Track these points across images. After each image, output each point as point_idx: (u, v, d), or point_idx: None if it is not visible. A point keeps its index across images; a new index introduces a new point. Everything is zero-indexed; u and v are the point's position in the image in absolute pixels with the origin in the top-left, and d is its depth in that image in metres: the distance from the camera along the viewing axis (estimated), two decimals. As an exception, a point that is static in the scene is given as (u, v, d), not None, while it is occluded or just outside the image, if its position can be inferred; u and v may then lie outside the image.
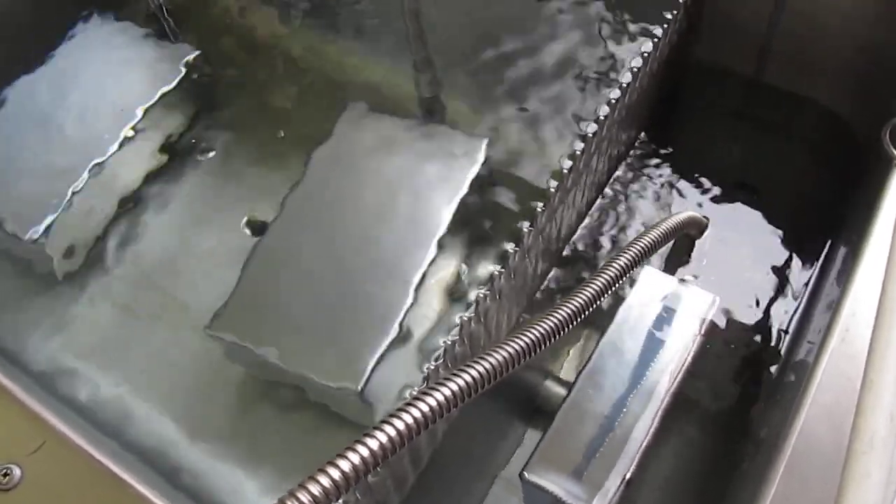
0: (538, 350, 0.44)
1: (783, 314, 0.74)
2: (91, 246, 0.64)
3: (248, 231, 0.63)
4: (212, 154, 0.68)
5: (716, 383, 0.71)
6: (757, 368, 0.72)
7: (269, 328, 0.54)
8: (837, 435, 0.41)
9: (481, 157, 0.60)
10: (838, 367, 0.44)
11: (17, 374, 0.53)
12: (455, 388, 0.40)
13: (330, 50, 0.72)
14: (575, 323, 0.47)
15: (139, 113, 0.66)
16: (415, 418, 0.38)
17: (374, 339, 0.52)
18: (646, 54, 0.65)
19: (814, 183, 0.83)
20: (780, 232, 0.79)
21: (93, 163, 0.64)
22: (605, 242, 0.79)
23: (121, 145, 0.65)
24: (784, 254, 0.77)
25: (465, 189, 0.58)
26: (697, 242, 0.77)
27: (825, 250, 0.76)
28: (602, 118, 0.62)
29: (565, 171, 0.59)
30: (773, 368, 0.71)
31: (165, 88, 0.68)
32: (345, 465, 0.36)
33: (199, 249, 0.62)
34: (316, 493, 0.35)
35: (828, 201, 0.79)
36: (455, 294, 0.54)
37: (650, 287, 0.64)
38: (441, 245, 0.56)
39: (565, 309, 0.47)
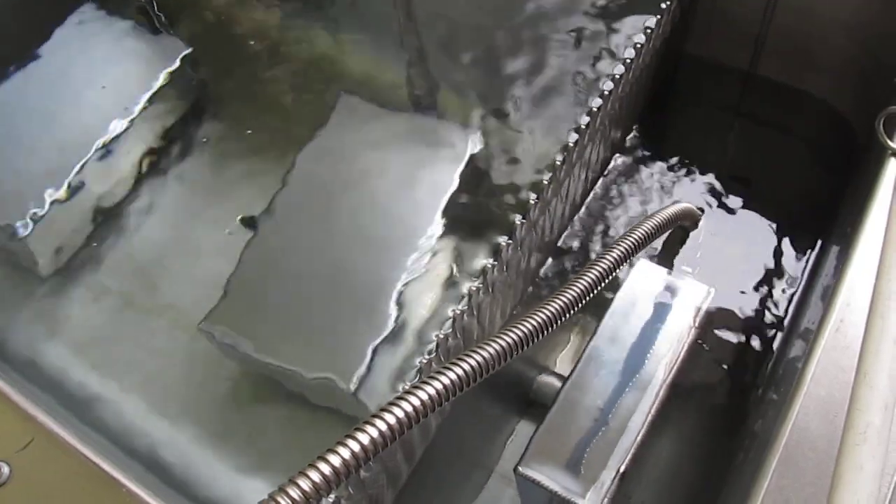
0: (532, 343, 0.44)
1: (777, 305, 0.74)
2: (82, 242, 0.63)
3: (240, 226, 0.62)
4: (204, 149, 0.68)
5: (710, 375, 0.71)
6: (751, 359, 0.72)
7: (262, 324, 0.54)
8: (831, 426, 0.41)
9: (473, 150, 0.60)
10: (832, 358, 0.44)
11: (6, 371, 0.52)
12: (447, 381, 0.39)
13: (322, 43, 0.72)
14: (569, 315, 0.47)
15: (131, 108, 0.66)
16: (406, 412, 0.37)
17: (367, 333, 0.51)
18: (639, 46, 0.65)
19: (808, 174, 0.83)
20: (774, 223, 0.78)
21: (83, 158, 0.63)
22: (599, 234, 0.79)
23: (112, 140, 0.65)
24: (778, 245, 0.77)
25: (457, 182, 0.58)
26: (692, 234, 0.76)
27: (819, 241, 0.76)
28: (595, 110, 0.61)
29: (558, 163, 0.59)
30: (767, 360, 0.71)
31: (157, 83, 0.68)
32: (335, 459, 0.35)
33: (191, 245, 0.62)
34: (306, 488, 0.35)
35: (822, 192, 0.79)
36: (448, 287, 0.54)
37: (644, 279, 0.64)
38: (433, 238, 0.55)
39: (559, 301, 0.47)
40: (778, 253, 0.77)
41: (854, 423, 0.33)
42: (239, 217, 0.62)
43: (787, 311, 0.73)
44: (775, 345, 0.72)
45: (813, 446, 0.41)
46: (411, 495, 0.56)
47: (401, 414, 0.37)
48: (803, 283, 0.74)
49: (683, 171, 0.83)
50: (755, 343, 0.72)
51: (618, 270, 0.53)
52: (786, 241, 0.77)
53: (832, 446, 0.37)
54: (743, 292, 0.75)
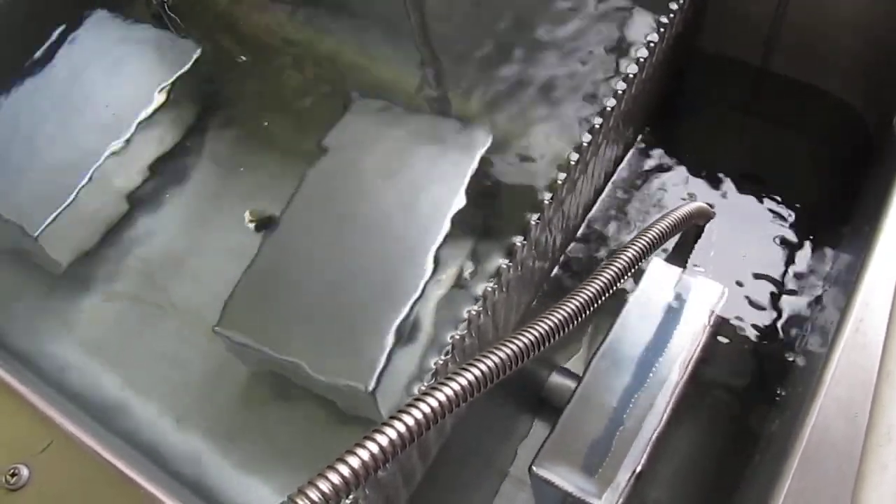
0: (547, 344, 0.44)
1: (793, 304, 0.73)
2: (96, 243, 0.64)
3: (252, 228, 0.62)
4: (217, 150, 0.68)
5: (726, 375, 0.71)
6: (768, 359, 0.71)
7: (277, 326, 0.54)
8: (853, 427, 0.41)
9: (487, 150, 0.59)
10: (852, 358, 0.43)
11: (24, 374, 0.53)
12: (464, 383, 0.39)
13: (333, 43, 0.72)
14: (583, 316, 0.47)
15: (142, 110, 0.66)
16: (424, 414, 0.37)
17: (383, 334, 0.51)
18: (651, 45, 0.65)
19: (822, 172, 0.83)
20: (788, 221, 0.78)
21: (96, 160, 0.63)
22: (613, 233, 0.79)
23: (124, 142, 0.65)
24: (793, 244, 0.77)
25: (470, 182, 0.58)
26: (705, 233, 0.76)
27: (836, 240, 0.75)
28: (608, 109, 0.61)
29: (572, 162, 0.59)
30: (784, 359, 0.70)
31: (169, 85, 0.68)
32: (354, 461, 0.35)
33: (204, 247, 0.62)
34: (325, 489, 0.35)
35: (837, 190, 0.79)
36: (463, 287, 0.53)
37: (658, 278, 0.63)
38: (447, 238, 0.55)
39: (574, 302, 0.47)
40: (793, 251, 0.76)
41: (877, 423, 0.33)
42: (252, 220, 0.62)
43: (803, 309, 0.73)
44: (793, 343, 0.71)
45: (834, 447, 0.40)
46: (426, 495, 0.56)
47: (419, 416, 0.37)
48: (820, 281, 0.74)
49: (696, 168, 0.83)
50: (771, 341, 0.72)
51: (632, 270, 0.53)
52: (801, 239, 0.77)
53: (854, 447, 0.37)
54: (757, 291, 0.74)
